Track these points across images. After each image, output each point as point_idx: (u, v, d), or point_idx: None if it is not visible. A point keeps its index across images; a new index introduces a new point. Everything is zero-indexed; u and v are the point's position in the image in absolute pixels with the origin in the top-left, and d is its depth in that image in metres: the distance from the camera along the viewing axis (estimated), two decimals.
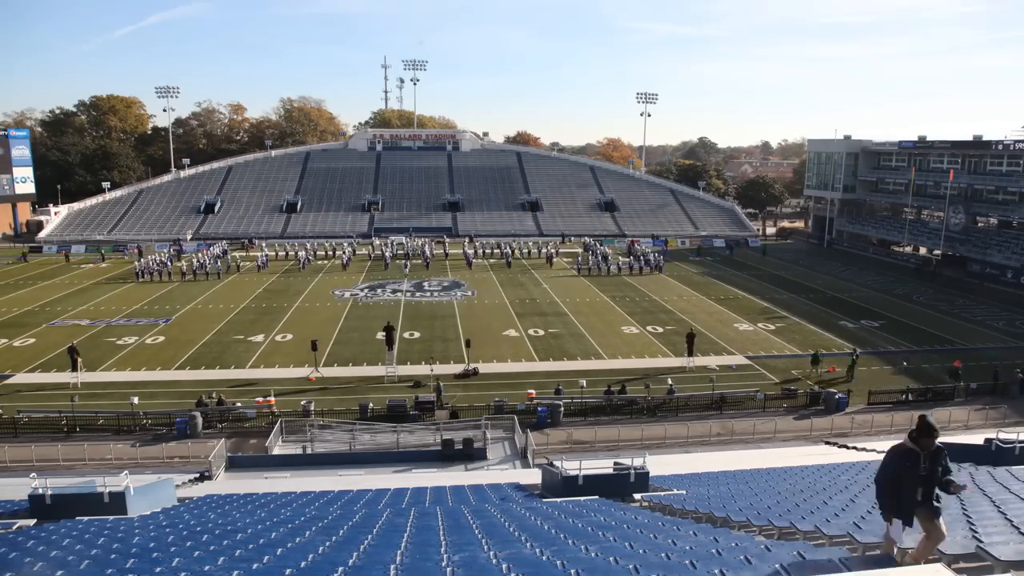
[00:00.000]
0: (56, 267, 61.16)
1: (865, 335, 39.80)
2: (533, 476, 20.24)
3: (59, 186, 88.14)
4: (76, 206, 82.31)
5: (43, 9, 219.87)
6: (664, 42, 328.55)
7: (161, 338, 38.22)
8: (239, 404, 28.45)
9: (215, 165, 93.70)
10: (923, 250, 70.35)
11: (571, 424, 27.84)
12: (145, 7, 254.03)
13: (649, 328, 40.92)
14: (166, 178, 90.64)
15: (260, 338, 38.29)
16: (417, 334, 39.30)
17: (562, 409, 28.10)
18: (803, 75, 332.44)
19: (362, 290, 51.18)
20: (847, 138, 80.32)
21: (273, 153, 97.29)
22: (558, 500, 14.45)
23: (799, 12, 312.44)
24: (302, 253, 63.10)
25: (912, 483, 6.37)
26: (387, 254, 63.67)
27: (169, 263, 59.14)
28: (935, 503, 6.47)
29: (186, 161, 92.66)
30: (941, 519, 6.45)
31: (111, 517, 12.83)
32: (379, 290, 51.18)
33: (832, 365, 33.74)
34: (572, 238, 79.58)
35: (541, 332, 39.80)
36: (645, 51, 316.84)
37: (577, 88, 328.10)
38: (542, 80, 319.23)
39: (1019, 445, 16.41)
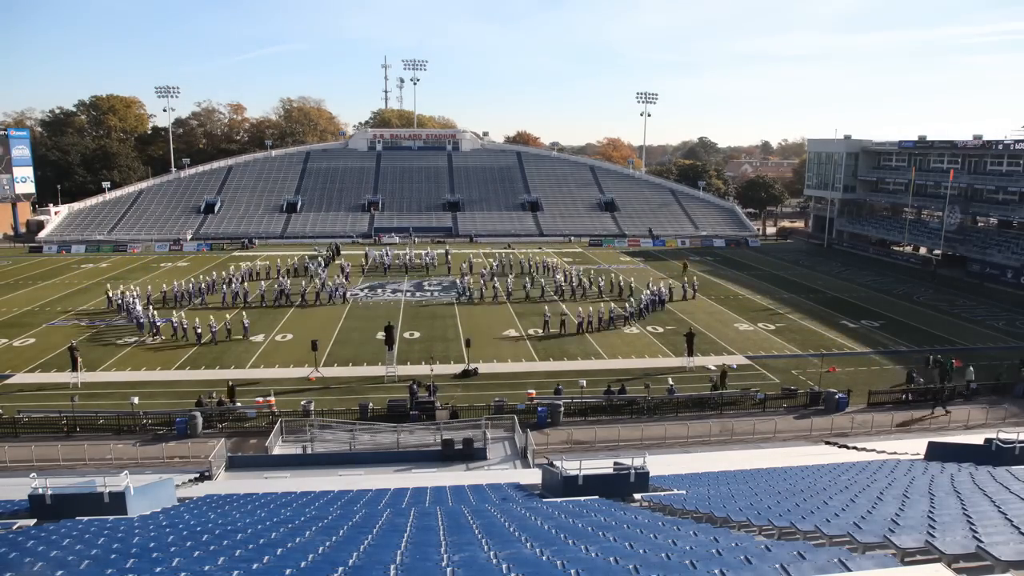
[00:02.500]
0: (56, 267, 61.15)
1: (865, 335, 39.80)
2: (533, 476, 20.23)
3: (59, 186, 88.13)
4: (76, 206, 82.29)
5: (42, 8, 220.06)
6: (668, 67, 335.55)
7: (161, 338, 38.20)
8: (239, 404, 28.45)
9: (215, 165, 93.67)
10: (923, 250, 70.36)
11: (571, 424, 27.84)
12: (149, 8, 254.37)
13: (649, 328, 40.90)
14: (166, 178, 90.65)
15: (260, 338, 38.27)
16: (417, 334, 39.29)
17: (562, 409, 28.09)
18: (801, 79, 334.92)
19: (362, 290, 51.18)
20: (847, 138, 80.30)
21: (273, 153, 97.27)
22: (558, 500, 14.45)
23: (774, 43, 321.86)
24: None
25: None
26: (386, 261, 59.35)
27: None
28: None
29: (186, 161, 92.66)
30: None
31: (111, 517, 12.83)
32: (379, 290, 51.18)
33: (832, 365, 33.74)
34: (573, 238, 79.62)
35: (541, 332, 39.76)
36: (650, 74, 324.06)
37: (578, 89, 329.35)
38: (545, 86, 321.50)
39: (1019, 445, 16.41)
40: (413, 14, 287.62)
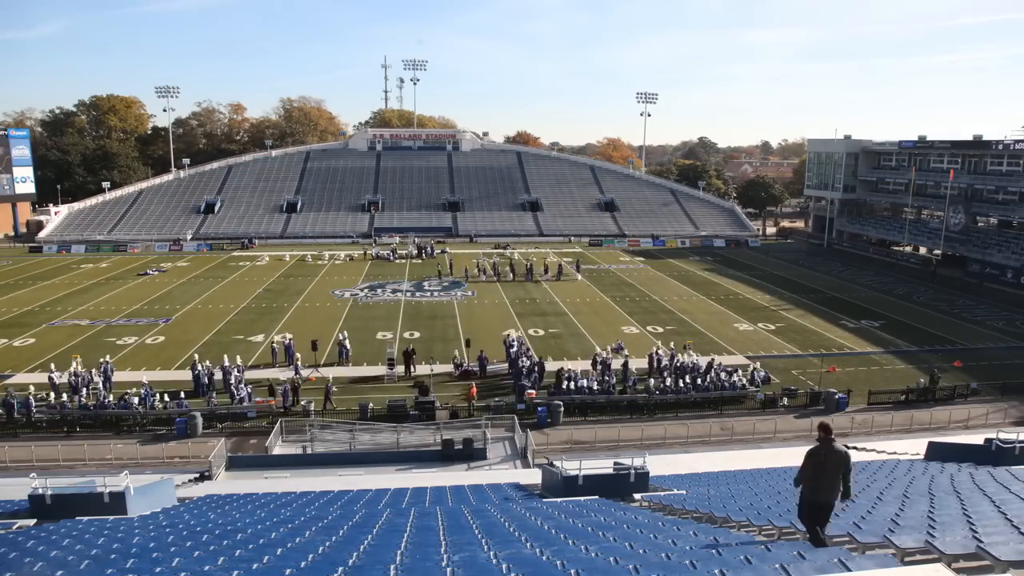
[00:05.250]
0: (56, 267, 61.15)
1: (865, 335, 39.80)
2: (533, 476, 20.24)
3: (59, 186, 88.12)
4: (76, 206, 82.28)
5: (41, 7, 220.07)
6: (666, 83, 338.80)
7: (161, 338, 38.21)
8: (243, 385, 28.40)
9: (215, 165, 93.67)
10: (923, 250, 70.35)
11: (571, 424, 27.84)
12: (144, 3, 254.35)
13: (649, 328, 40.90)
14: (166, 178, 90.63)
15: (260, 338, 38.28)
16: (417, 334, 39.28)
17: (562, 409, 28.09)
18: (802, 80, 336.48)
19: (362, 290, 51.18)
20: (847, 138, 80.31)
21: (273, 153, 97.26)
22: (558, 500, 14.45)
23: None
24: None
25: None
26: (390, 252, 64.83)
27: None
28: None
29: (186, 161, 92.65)
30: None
31: (111, 517, 12.84)
32: (379, 290, 51.17)
33: (832, 365, 33.73)
34: (573, 238, 79.63)
35: (541, 332, 39.79)
36: (649, 85, 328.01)
37: (578, 90, 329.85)
38: (546, 88, 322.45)
39: (1019, 445, 16.42)
40: (422, 33, 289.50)
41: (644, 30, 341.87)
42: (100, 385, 28.93)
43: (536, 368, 31.01)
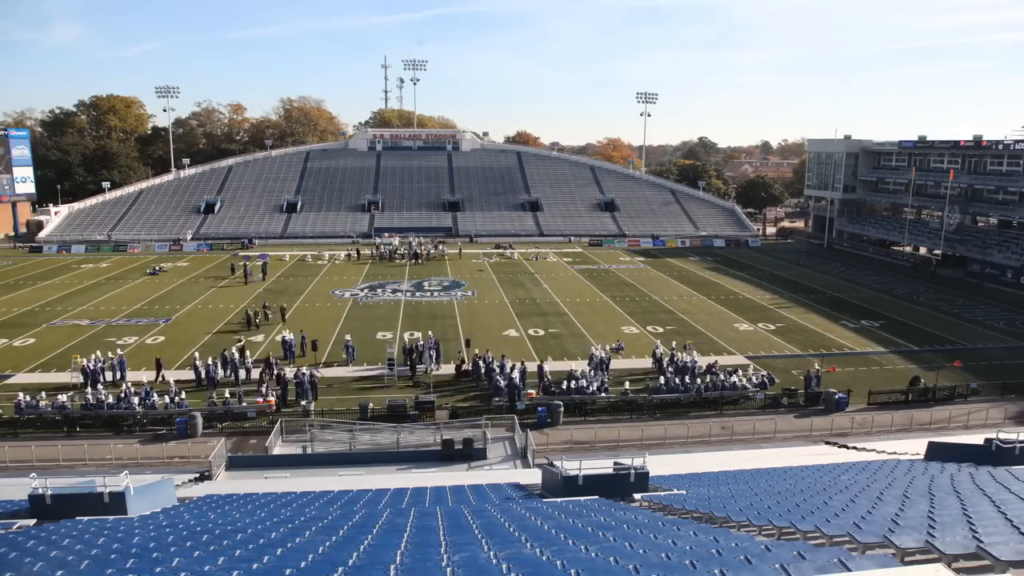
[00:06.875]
0: (56, 267, 61.15)
1: (866, 335, 39.79)
2: (533, 476, 20.24)
3: (59, 186, 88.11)
4: (76, 206, 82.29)
5: (41, 8, 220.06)
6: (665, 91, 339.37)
7: (161, 338, 38.21)
8: (244, 389, 28.41)
9: (215, 165, 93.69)
10: (923, 250, 70.34)
11: (571, 424, 27.84)
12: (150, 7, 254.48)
13: (649, 328, 40.90)
14: (166, 178, 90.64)
15: (260, 338, 38.28)
16: (417, 334, 39.26)
17: (562, 409, 28.09)
18: (799, 86, 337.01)
19: (362, 290, 51.18)
20: (847, 138, 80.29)
21: (273, 153, 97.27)
22: (558, 500, 14.45)
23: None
24: None
25: None
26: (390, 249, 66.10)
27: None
28: None
29: (186, 161, 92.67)
30: None
31: (111, 517, 12.85)
32: (379, 290, 51.18)
33: (832, 365, 33.73)
34: (573, 238, 79.63)
35: (541, 332, 39.79)
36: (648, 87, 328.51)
37: (577, 88, 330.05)
38: (546, 87, 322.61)
39: (1019, 445, 16.42)
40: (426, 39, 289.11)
41: (646, 48, 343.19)
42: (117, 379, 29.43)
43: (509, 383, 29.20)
